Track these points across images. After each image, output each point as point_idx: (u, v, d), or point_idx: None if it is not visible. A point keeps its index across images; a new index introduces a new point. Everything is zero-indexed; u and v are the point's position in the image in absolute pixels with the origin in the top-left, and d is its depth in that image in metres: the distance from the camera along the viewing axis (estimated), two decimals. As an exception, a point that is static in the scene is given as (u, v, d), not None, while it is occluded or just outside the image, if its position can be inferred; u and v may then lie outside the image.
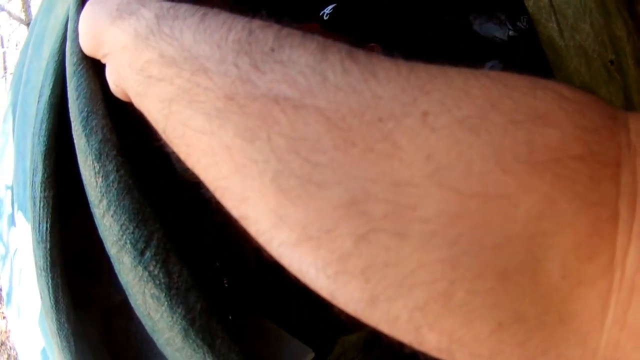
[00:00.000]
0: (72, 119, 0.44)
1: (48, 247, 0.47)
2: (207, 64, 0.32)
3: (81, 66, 0.44)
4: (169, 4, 0.38)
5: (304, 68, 0.29)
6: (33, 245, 0.47)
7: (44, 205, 0.47)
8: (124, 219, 0.41)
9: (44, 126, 0.48)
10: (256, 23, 0.33)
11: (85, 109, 0.42)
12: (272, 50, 0.31)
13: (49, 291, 0.47)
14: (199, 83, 0.32)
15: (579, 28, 0.82)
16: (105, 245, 0.44)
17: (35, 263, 0.48)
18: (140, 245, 0.41)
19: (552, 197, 0.25)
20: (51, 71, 0.49)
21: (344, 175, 0.27)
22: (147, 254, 0.41)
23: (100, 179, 0.41)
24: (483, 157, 0.25)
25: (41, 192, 0.47)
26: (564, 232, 0.25)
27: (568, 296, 0.25)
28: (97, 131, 0.42)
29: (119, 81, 0.41)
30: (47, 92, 0.48)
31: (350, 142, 0.27)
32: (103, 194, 0.41)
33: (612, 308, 0.25)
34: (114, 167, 0.41)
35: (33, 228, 0.47)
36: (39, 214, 0.47)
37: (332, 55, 0.30)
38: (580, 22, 0.81)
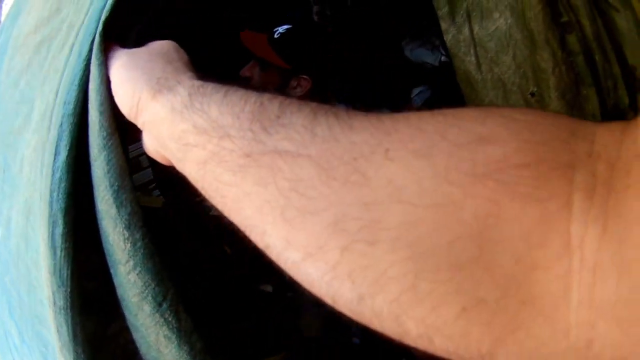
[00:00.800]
0: (99, 188, 0.54)
1: (69, 290, 0.57)
2: (230, 131, 0.41)
3: (111, 142, 0.54)
4: (198, 83, 0.49)
5: (300, 128, 0.39)
6: (53, 289, 0.57)
7: (65, 255, 0.56)
8: (147, 277, 0.53)
9: (62, 185, 0.57)
10: (266, 96, 0.43)
11: (116, 183, 0.53)
12: (278, 117, 0.41)
13: (67, 327, 0.57)
14: (225, 146, 0.41)
15: (499, 61, 0.86)
16: (124, 294, 0.55)
17: (54, 303, 0.58)
18: (159, 299, 0.54)
19: (495, 199, 0.30)
20: (67, 132, 0.57)
21: (329, 203, 0.35)
22: (164, 305, 0.54)
23: (129, 244, 0.52)
24: (432, 176, 0.32)
25: (62, 243, 0.56)
26: (510, 226, 0.29)
27: (525, 280, 0.29)
28: (126, 204, 0.53)
29: (159, 147, 0.51)
30: (64, 152, 0.57)
31: (332, 177, 0.35)
32: (130, 257, 0.53)
33: (575, 288, 0.28)
34: (140, 236, 0.53)
35: (53, 274, 0.57)
36: (60, 262, 0.57)
37: (320, 115, 0.39)
38: (502, 54, 0.85)
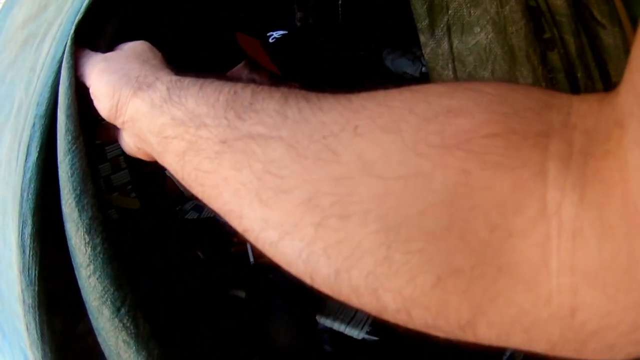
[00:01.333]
0: (63, 191, 0.57)
1: (36, 289, 0.60)
2: (206, 120, 0.44)
3: (75, 145, 0.57)
4: (176, 77, 0.52)
5: (272, 112, 0.41)
6: (22, 287, 0.61)
7: (32, 254, 0.60)
8: (106, 282, 0.56)
9: (32, 185, 0.60)
10: (239, 85, 0.45)
11: (79, 188, 0.56)
12: (250, 103, 0.43)
13: (35, 325, 0.61)
14: (201, 135, 0.43)
15: (477, 76, 0.85)
16: (86, 297, 0.58)
17: (24, 301, 0.61)
18: (118, 304, 0.57)
19: (465, 168, 0.31)
20: (38, 133, 0.60)
21: (301, 181, 0.36)
22: (123, 310, 0.57)
23: (89, 248, 0.56)
24: (400, 149, 0.33)
25: (30, 243, 0.60)
26: (481, 195, 0.30)
27: (501, 248, 0.30)
28: (87, 209, 0.56)
29: (140, 144, 0.55)
30: (35, 153, 0.60)
31: (303, 156, 0.37)
32: (91, 261, 0.56)
33: (555, 254, 0.28)
34: (100, 241, 0.56)
35: (22, 273, 0.60)
36: (28, 262, 0.60)
37: (291, 99, 0.41)
38: (480, 69, 0.85)
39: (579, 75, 0.88)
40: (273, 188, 0.38)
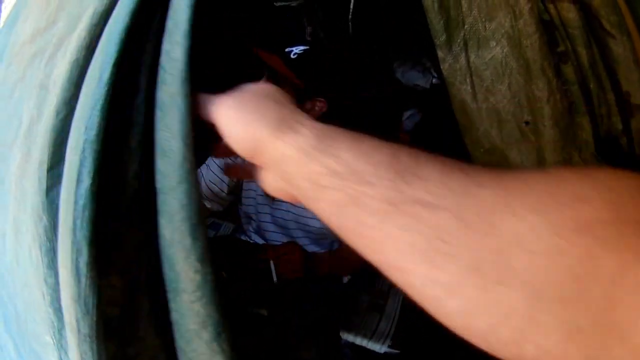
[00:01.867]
0: (175, 217, 0.58)
1: (95, 318, 0.60)
2: (369, 178, 0.48)
3: (192, 175, 0.58)
4: (320, 125, 0.55)
5: (436, 182, 0.45)
6: (77, 316, 0.60)
7: (90, 283, 0.59)
8: (211, 309, 0.59)
9: (86, 213, 0.59)
10: (395, 147, 0.50)
11: (195, 217, 0.58)
12: (412, 167, 0.47)
13: (92, 354, 0.61)
14: (365, 192, 0.47)
15: (494, 90, 0.91)
16: (180, 319, 0.61)
17: (79, 330, 0.61)
18: (219, 328, 0.59)
19: (590, 249, 0.37)
20: (90, 159, 0.59)
21: (466, 248, 0.41)
22: (223, 335, 0.60)
23: (199, 276, 0.58)
24: (545, 229, 0.39)
25: (87, 272, 0.59)
26: (600, 271, 0.37)
27: (610, 312, 0.36)
28: (201, 239, 0.58)
29: (285, 186, 0.58)
30: (88, 180, 0.59)
31: (467, 227, 0.42)
32: (198, 287, 0.58)
33: None
34: (210, 270, 0.58)
35: (77, 302, 0.60)
36: (84, 291, 0.59)
37: (451, 172, 0.46)
38: (497, 83, 0.90)
39: (591, 86, 0.92)
40: (440, 251, 0.43)
